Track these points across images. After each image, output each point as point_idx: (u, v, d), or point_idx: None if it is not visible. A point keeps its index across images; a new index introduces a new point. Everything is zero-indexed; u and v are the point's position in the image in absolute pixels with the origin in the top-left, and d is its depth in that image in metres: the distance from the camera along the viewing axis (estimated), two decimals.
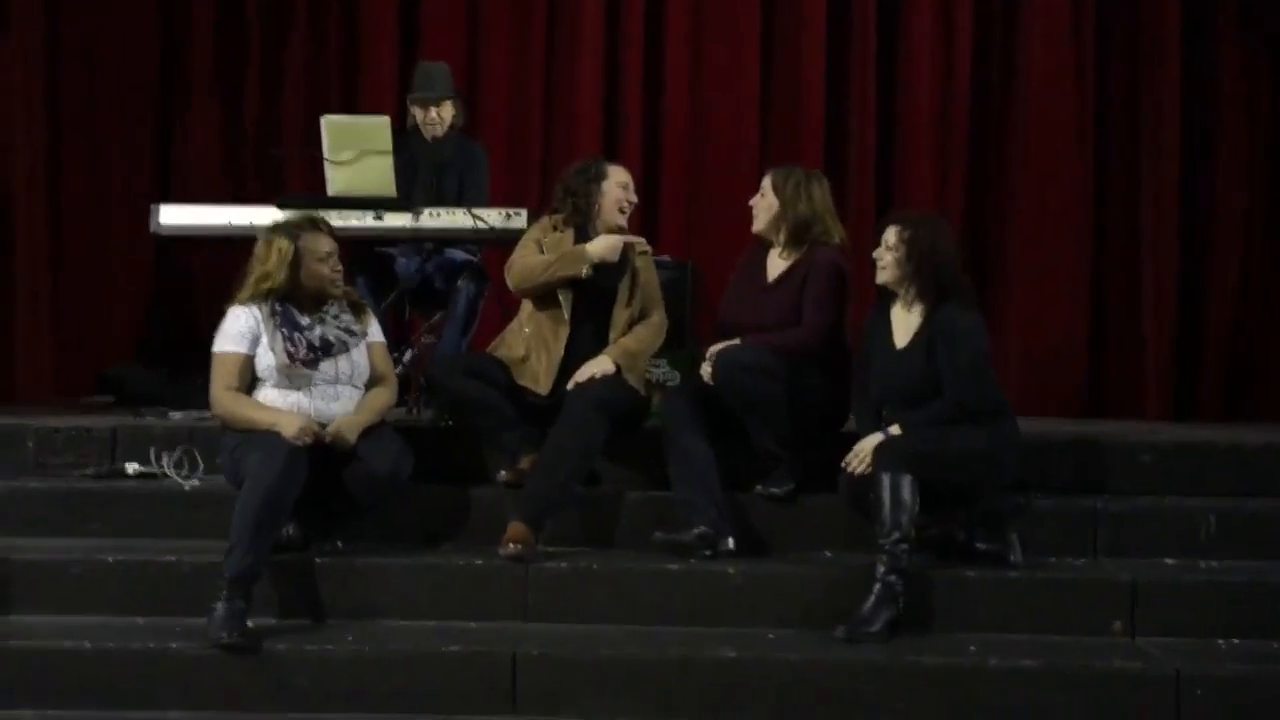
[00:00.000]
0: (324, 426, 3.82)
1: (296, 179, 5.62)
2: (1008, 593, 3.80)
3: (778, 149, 6.11)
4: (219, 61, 6.26)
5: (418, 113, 5.08)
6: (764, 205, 4.20)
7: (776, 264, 4.20)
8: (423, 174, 4.98)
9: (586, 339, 4.21)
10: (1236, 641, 3.72)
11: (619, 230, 4.28)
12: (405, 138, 5.05)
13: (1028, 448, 4.23)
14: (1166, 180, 6.02)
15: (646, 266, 4.34)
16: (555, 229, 4.30)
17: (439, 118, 5.03)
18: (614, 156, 6.18)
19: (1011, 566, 3.87)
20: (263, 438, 3.73)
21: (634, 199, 4.34)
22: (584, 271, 4.15)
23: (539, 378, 4.18)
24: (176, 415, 4.59)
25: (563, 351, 4.18)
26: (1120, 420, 5.76)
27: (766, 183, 4.22)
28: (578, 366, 4.13)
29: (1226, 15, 6.06)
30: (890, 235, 3.92)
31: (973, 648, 3.62)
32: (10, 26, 6.05)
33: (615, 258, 4.19)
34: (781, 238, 4.18)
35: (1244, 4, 6.05)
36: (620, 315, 4.25)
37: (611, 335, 4.23)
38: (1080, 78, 6.11)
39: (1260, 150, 6.08)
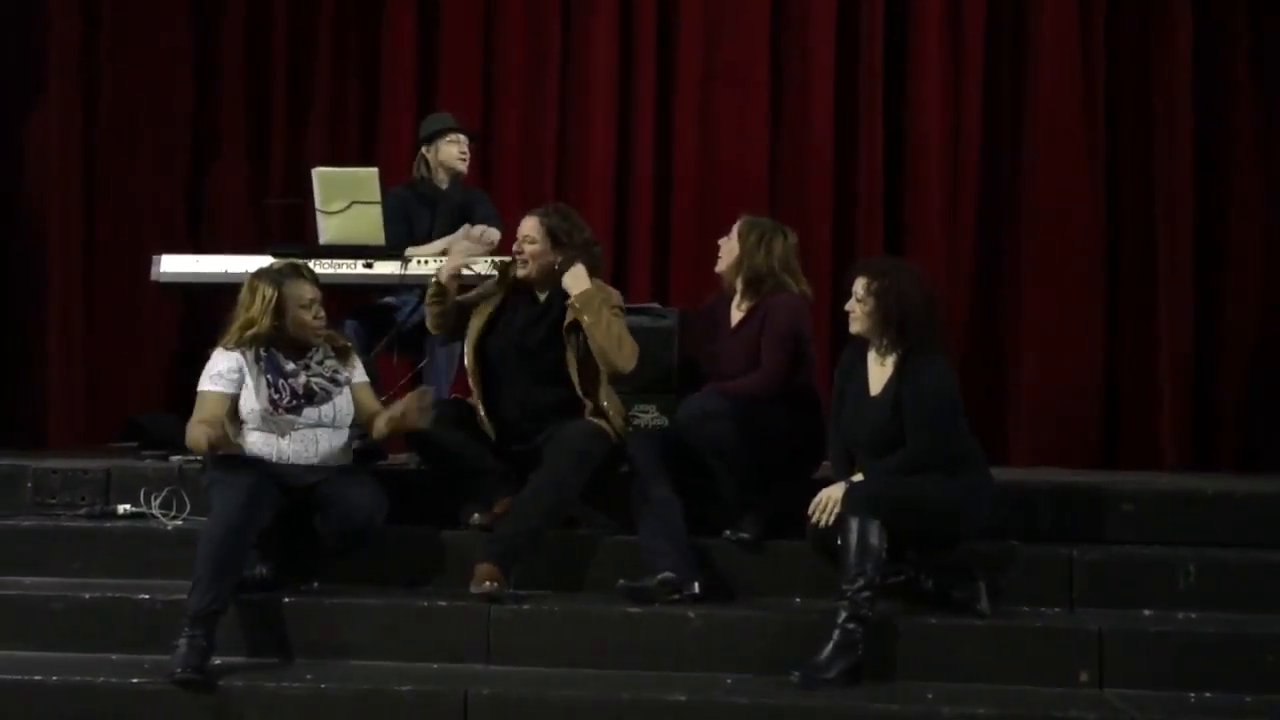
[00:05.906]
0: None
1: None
2: (971, 641, 3.74)
3: (786, 198, 6.14)
4: (248, 118, 6.50)
5: (450, 149, 5.06)
6: (728, 249, 4.22)
7: (736, 312, 4.22)
8: (442, 218, 5.01)
9: (518, 392, 4.22)
10: (1209, 695, 3.61)
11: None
12: (419, 186, 5.11)
13: (1009, 496, 4.21)
14: (1180, 224, 5.94)
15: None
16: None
17: (468, 152, 5.12)
18: (625, 207, 6.34)
19: (978, 615, 3.81)
20: (227, 476, 3.82)
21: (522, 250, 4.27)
22: (430, 293, 4.30)
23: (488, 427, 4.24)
24: (176, 458, 4.70)
25: (489, 406, 4.22)
26: (1134, 471, 5.64)
27: (735, 227, 4.24)
28: (516, 419, 4.19)
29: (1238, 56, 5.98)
30: (859, 287, 3.88)
31: (929, 695, 3.57)
32: (47, 83, 6.34)
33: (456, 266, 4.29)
34: (739, 285, 4.20)
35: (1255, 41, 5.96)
36: (574, 365, 4.18)
37: (578, 386, 4.19)
38: (1089, 123, 6.03)
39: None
